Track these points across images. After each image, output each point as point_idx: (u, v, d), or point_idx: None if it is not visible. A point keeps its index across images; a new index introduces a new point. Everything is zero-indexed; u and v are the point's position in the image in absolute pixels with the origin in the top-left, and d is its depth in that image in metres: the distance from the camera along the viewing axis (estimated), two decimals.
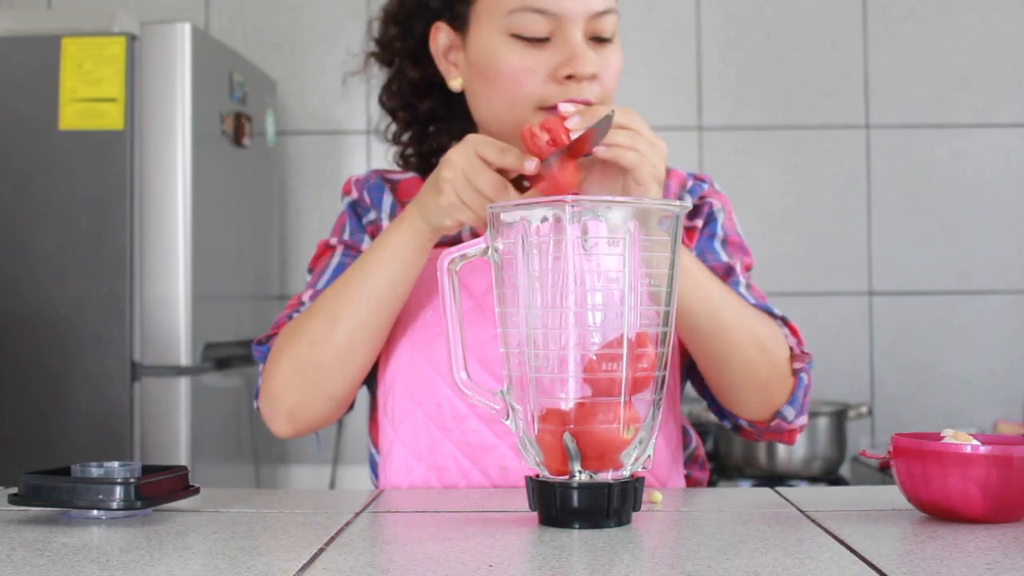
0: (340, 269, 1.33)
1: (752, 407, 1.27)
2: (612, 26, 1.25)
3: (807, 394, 1.28)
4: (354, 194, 1.38)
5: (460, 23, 1.29)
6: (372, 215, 1.36)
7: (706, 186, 1.39)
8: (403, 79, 1.37)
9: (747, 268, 1.36)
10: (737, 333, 1.22)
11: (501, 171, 1.14)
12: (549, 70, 1.23)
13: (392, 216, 1.36)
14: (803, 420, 1.29)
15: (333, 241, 1.36)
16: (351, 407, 1.33)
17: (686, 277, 1.17)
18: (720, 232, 1.36)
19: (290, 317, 1.31)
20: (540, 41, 1.23)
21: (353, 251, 1.35)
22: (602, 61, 1.24)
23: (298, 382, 1.24)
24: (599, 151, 1.11)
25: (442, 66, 1.31)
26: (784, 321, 1.29)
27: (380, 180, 1.39)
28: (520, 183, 1.14)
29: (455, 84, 1.31)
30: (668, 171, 1.36)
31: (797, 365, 1.27)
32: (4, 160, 2.35)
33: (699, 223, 1.35)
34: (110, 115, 2.32)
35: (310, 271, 1.37)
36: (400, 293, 1.22)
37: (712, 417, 2.80)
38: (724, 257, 1.34)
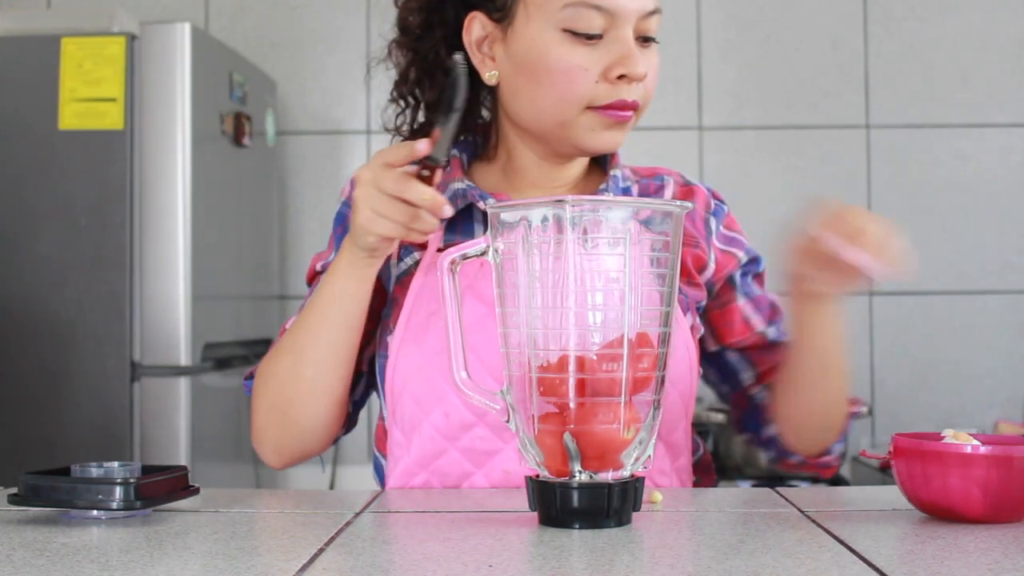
0: None
1: (814, 446, 1.33)
2: (658, 26, 1.25)
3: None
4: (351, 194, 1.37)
5: (502, 15, 1.25)
6: None
7: (726, 208, 1.38)
8: (425, 66, 1.32)
9: None
10: (843, 384, 1.28)
11: (421, 178, 1.13)
12: (602, 69, 1.21)
13: None
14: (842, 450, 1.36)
15: (319, 267, 1.35)
16: (350, 427, 1.34)
17: (835, 329, 1.22)
18: (757, 264, 1.38)
19: None
20: (592, 38, 1.21)
21: None
22: (647, 61, 1.23)
23: (277, 419, 1.25)
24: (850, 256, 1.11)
25: (476, 58, 1.27)
26: None
27: None
28: (422, 175, 1.12)
29: (490, 77, 1.27)
30: (691, 188, 1.36)
31: (854, 409, 1.32)
32: (4, 160, 2.34)
33: (740, 255, 1.35)
34: (110, 115, 2.32)
35: (309, 284, 1.37)
36: (355, 321, 1.22)
37: (712, 417, 2.79)
38: (770, 295, 1.37)
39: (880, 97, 3.05)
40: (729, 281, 1.34)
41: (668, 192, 1.35)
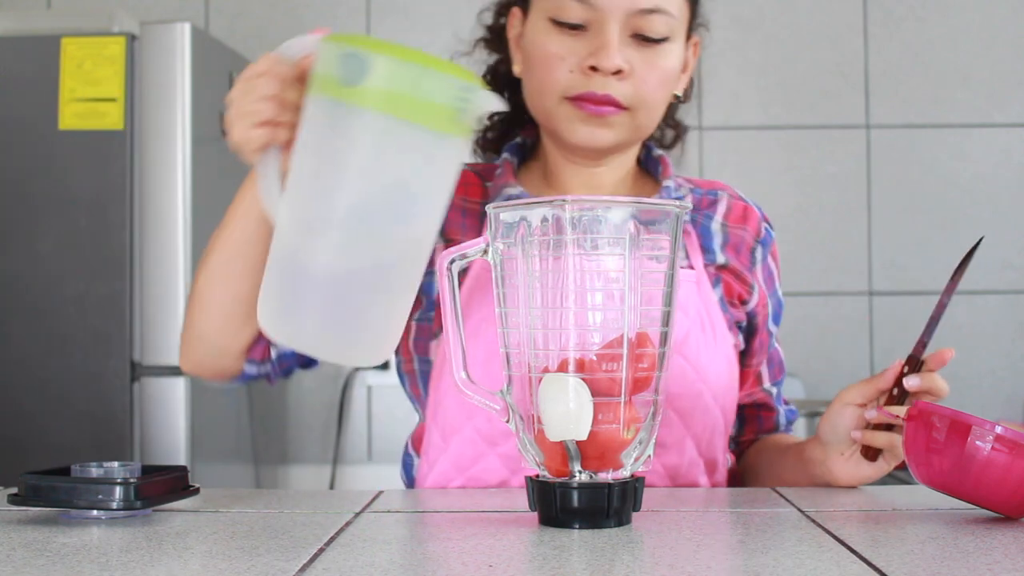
0: None
1: None
2: (661, 27, 1.22)
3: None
4: None
5: (524, 8, 1.30)
6: None
7: (773, 236, 1.39)
8: (499, 66, 1.39)
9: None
10: None
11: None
12: (578, 59, 1.21)
13: None
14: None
15: None
16: (307, 364, 1.30)
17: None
18: (781, 311, 1.39)
19: None
20: (576, 29, 1.22)
21: None
22: (644, 62, 1.22)
23: (184, 330, 1.30)
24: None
25: (512, 52, 1.32)
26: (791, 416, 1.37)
27: None
28: None
29: (516, 70, 1.31)
30: (744, 207, 1.38)
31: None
32: (4, 160, 2.34)
33: (770, 300, 1.36)
34: (110, 115, 2.32)
35: None
36: (248, 238, 1.21)
37: None
38: (776, 343, 1.40)
39: (880, 97, 3.05)
40: (759, 325, 1.36)
41: (721, 208, 1.36)
